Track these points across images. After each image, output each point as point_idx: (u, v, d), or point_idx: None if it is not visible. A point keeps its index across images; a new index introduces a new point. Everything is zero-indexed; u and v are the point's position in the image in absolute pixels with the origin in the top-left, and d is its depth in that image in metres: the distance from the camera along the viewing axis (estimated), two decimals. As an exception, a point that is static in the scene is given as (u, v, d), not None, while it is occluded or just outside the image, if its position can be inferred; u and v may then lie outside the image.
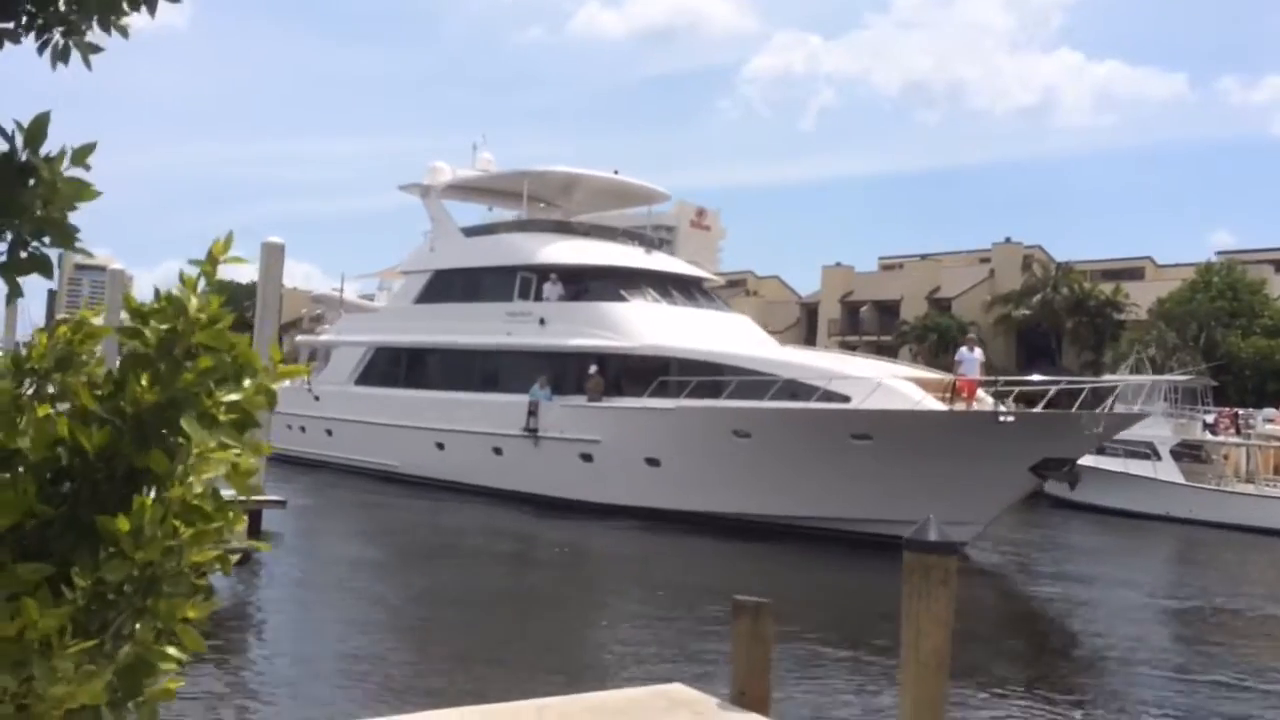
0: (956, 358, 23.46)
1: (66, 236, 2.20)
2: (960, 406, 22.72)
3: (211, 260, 2.28)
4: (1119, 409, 25.50)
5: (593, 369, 27.51)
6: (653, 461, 26.16)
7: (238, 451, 2.21)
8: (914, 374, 24.71)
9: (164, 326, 2.17)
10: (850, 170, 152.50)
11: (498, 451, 29.31)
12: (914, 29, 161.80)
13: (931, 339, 62.77)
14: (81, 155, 2.17)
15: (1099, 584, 21.84)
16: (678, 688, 7.77)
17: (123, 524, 2.02)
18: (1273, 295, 59.41)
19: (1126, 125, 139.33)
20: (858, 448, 23.17)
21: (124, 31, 2.35)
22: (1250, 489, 34.92)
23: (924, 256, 67.97)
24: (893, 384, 23.15)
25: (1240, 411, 44.64)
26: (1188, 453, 36.60)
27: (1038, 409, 23.49)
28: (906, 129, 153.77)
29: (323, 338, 36.49)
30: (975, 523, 23.28)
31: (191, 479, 2.14)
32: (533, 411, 28.28)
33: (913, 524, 21.53)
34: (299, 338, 39.15)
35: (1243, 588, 23.33)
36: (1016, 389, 24.86)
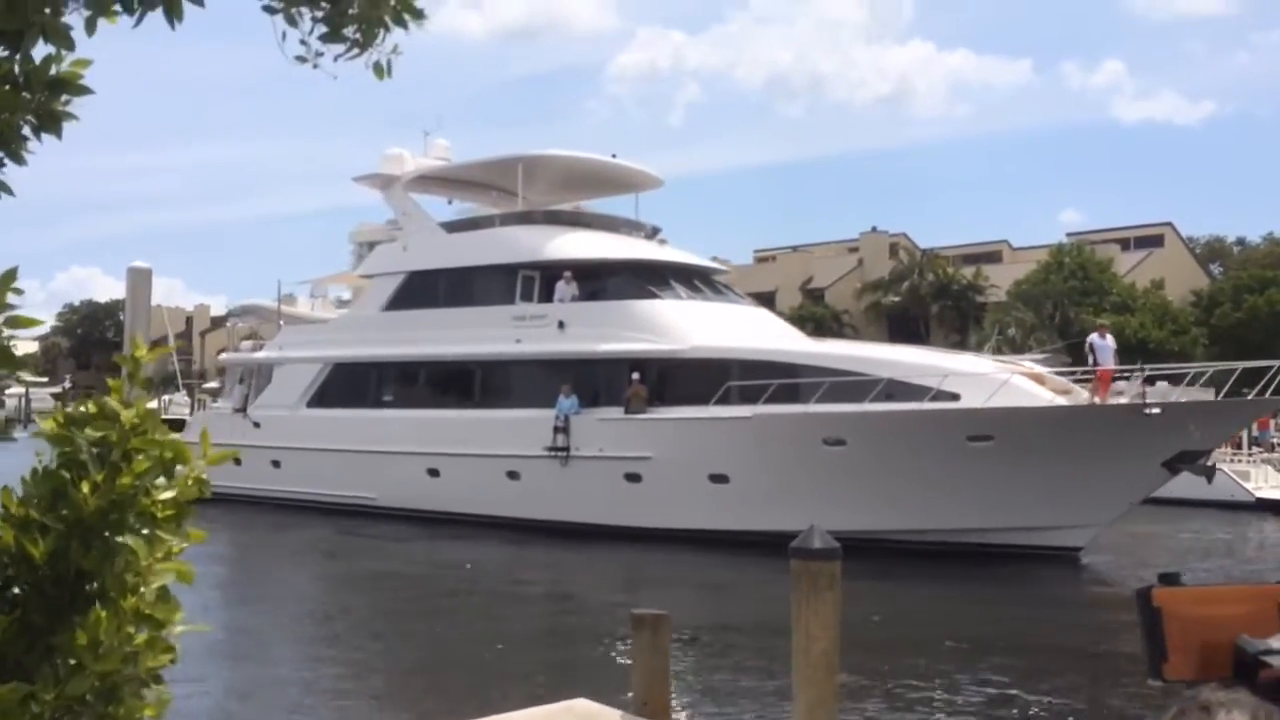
0: (1088, 345, 20.98)
1: (12, 362, 2.24)
2: (1099, 399, 20.37)
3: (134, 360, 2.29)
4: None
5: (634, 376, 23.64)
6: (719, 478, 22.58)
7: (179, 545, 2.24)
8: (1021, 369, 22.16)
9: (98, 434, 2.20)
10: (720, 164, 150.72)
11: (513, 476, 24.96)
12: (772, 24, 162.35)
13: (808, 329, 61.51)
14: (6, 282, 2.18)
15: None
16: (582, 702, 7.78)
17: (80, 637, 2.07)
18: (1120, 273, 61.15)
19: (979, 113, 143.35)
20: (974, 450, 20.45)
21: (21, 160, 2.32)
22: None
23: (796, 248, 66.63)
24: (1019, 381, 20.56)
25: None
26: None
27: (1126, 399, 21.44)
28: (772, 122, 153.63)
29: (259, 355, 30.70)
30: (1096, 524, 21.04)
31: (143, 589, 2.15)
32: (561, 428, 24.13)
33: (1030, 530, 18.89)
34: (224, 356, 32.98)
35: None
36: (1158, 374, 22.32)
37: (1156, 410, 19.52)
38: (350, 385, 28.36)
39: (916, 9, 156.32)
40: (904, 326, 63.07)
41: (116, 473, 2.17)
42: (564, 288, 25.17)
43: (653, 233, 28.24)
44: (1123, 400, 20.21)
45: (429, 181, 29.15)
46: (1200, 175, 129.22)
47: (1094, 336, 20.78)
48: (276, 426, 28.81)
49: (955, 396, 20.63)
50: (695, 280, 26.07)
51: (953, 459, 20.43)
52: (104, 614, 2.08)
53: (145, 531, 2.17)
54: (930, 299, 62.94)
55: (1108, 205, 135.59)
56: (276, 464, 28.77)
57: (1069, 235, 64.42)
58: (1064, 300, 59.04)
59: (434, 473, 26.07)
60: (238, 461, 29.12)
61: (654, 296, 24.79)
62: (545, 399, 24.51)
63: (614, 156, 27.75)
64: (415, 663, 13.21)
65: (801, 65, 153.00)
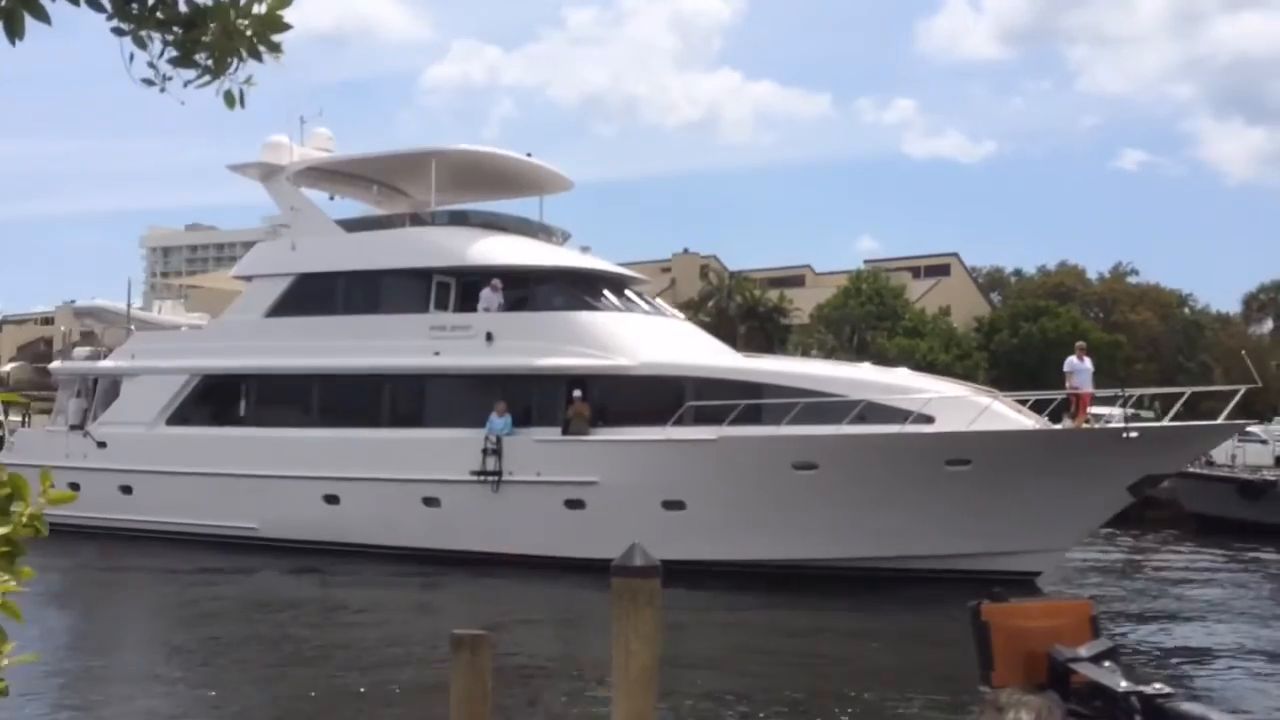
0: (1066, 368, 20.26)
1: None
2: (1076, 423, 19.75)
3: None
4: None
5: (576, 394, 21.21)
6: (674, 504, 20.54)
7: (5, 579, 2.13)
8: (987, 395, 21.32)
9: None
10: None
11: (431, 502, 21.90)
12: (587, 45, 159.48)
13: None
14: None
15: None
16: None
17: None
18: (912, 299, 63.37)
19: (783, 141, 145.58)
20: (951, 475, 19.42)
21: None
22: None
23: (612, 265, 65.42)
24: (999, 406, 19.71)
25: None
26: None
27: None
28: (586, 141, 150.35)
29: (103, 364, 25.83)
30: (1061, 548, 20.47)
31: None
32: (492, 450, 21.33)
33: (992, 556, 18.09)
34: (57, 364, 27.60)
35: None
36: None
37: (1135, 434, 19.11)
38: (223, 400, 24.28)
39: (725, 40, 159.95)
40: (714, 346, 63.14)
41: None
42: (490, 296, 22.39)
43: (564, 238, 25.85)
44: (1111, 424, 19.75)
45: (318, 174, 25.45)
46: (982, 210, 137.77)
47: (1071, 359, 20.14)
48: (127, 447, 24.30)
49: (930, 419, 19.57)
50: (625, 291, 23.92)
51: (929, 484, 19.33)
52: None
53: None
54: (739, 320, 63.12)
55: (900, 234, 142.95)
56: (127, 490, 24.30)
57: (866, 262, 66.32)
58: (861, 324, 60.59)
59: (332, 499, 22.59)
60: (75, 487, 24.41)
61: (590, 308, 22.48)
62: (469, 418, 21.67)
63: (529, 155, 25.20)
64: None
65: (616, 88, 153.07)
